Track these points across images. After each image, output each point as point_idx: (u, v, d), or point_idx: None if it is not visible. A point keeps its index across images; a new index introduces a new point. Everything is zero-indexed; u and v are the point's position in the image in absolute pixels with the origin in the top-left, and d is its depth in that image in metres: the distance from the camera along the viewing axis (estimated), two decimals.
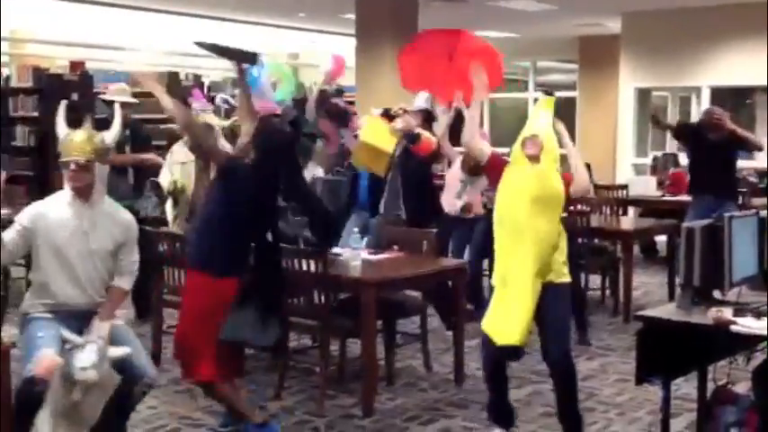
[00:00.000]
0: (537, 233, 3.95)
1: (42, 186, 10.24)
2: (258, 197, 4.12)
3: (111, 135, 3.97)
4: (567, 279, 4.09)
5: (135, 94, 6.55)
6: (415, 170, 6.28)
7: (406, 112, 6.14)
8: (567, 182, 4.11)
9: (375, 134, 6.09)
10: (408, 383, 5.25)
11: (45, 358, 3.50)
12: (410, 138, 6.02)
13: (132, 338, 3.84)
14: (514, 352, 4.00)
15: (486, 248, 5.63)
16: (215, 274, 4.00)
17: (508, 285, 3.97)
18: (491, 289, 4.13)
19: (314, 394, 4.94)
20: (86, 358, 3.36)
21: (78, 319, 3.74)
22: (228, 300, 4.05)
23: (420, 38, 6.24)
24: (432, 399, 5.02)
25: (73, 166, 3.76)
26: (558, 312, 4.03)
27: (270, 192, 4.23)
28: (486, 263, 6.27)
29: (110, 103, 6.16)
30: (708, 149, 7.17)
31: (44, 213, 3.79)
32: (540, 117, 4.15)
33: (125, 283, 3.94)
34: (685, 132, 7.79)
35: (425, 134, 6.12)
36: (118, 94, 6.25)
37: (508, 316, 3.93)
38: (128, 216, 3.97)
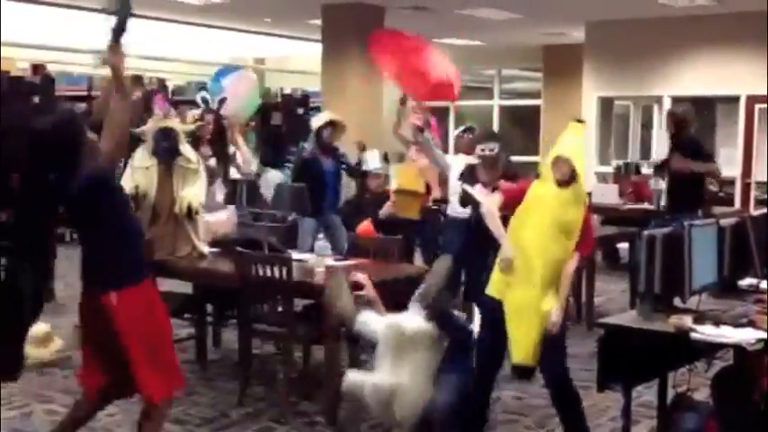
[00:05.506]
0: (547, 258, 3.96)
1: (1, 190, 10.09)
2: None
3: None
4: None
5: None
6: None
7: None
8: (587, 218, 4.09)
9: (407, 179, 6.60)
10: None
11: None
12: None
13: None
14: (526, 371, 4.15)
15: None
16: None
17: (521, 308, 3.98)
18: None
19: (277, 401, 4.92)
20: None
21: None
22: None
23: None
24: None
25: None
26: (556, 335, 4.01)
27: None
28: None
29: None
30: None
31: None
32: (570, 141, 4.03)
33: None
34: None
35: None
36: None
37: (524, 338, 3.97)
38: None
